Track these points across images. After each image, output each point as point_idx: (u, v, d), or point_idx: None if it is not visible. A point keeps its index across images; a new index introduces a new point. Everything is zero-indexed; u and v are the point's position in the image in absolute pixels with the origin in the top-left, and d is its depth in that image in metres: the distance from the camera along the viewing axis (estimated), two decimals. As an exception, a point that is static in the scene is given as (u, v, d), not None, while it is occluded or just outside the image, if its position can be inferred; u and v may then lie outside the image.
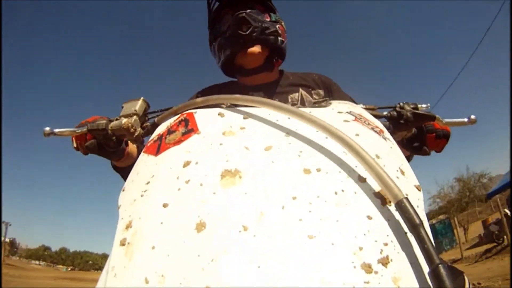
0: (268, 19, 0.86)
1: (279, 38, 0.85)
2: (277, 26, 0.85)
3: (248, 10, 0.82)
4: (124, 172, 0.81)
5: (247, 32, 0.79)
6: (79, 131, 0.67)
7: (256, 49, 0.83)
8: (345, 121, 0.53)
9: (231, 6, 0.85)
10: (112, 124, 0.63)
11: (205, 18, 0.94)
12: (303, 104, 0.88)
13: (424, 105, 0.71)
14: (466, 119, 0.72)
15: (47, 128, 0.69)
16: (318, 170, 0.42)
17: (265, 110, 0.53)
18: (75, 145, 0.70)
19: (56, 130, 0.69)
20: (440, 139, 0.71)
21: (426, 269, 0.33)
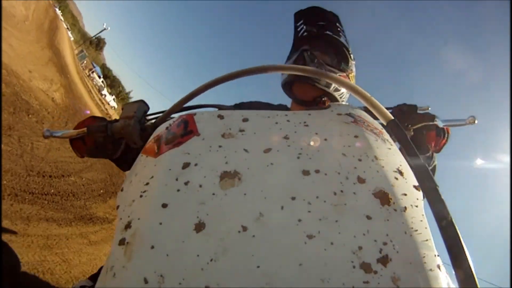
0: (333, 65, 0.88)
1: (333, 85, 0.85)
2: (338, 74, 0.86)
3: (315, 52, 0.86)
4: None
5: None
6: (78, 132, 0.68)
7: (302, 87, 0.87)
8: (345, 122, 0.53)
9: (310, 40, 0.91)
10: (112, 126, 0.64)
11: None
12: None
13: (423, 107, 0.71)
14: (465, 120, 0.73)
15: (45, 130, 0.69)
16: (317, 171, 0.42)
17: (264, 113, 0.54)
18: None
19: (58, 134, 0.70)
20: (440, 138, 0.71)
21: (425, 269, 0.33)
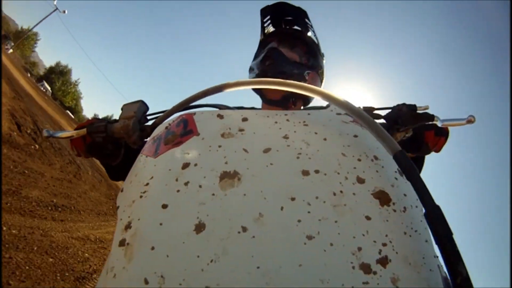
0: (302, 62, 0.86)
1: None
2: (306, 72, 0.84)
3: (283, 49, 0.83)
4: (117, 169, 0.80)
5: (266, 65, 0.81)
6: (77, 132, 0.67)
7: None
8: (344, 122, 0.53)
9: (277, 36, 0.88)
10: (111, 126, 0.64)
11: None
12: None
13: (422, 106, 0.71)
14: (464, 119, 0.72)
15: (45, 131, 0.69)
16: (317, 171, 0.42)
17: (263, 113, 0.53)
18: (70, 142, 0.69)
19: (57, 134, 0.69)
20: (439, 137, 0.71)
21: (425, 270, 0.34)
